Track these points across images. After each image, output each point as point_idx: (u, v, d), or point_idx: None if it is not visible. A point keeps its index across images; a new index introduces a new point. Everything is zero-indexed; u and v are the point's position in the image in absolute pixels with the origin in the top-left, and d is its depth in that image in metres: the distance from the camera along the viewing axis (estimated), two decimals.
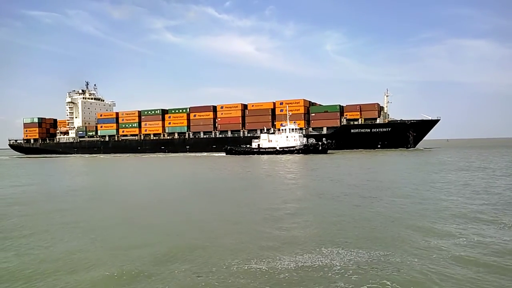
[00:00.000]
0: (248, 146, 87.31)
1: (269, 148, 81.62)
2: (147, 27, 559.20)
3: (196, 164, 60.23)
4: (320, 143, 79.24)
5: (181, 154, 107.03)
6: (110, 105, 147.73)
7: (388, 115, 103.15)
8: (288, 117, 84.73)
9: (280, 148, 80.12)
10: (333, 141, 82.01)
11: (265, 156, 75.73)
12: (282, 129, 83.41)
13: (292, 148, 79.09)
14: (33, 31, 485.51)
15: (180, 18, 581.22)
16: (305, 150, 78.37)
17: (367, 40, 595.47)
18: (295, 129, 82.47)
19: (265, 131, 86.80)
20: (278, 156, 75.03)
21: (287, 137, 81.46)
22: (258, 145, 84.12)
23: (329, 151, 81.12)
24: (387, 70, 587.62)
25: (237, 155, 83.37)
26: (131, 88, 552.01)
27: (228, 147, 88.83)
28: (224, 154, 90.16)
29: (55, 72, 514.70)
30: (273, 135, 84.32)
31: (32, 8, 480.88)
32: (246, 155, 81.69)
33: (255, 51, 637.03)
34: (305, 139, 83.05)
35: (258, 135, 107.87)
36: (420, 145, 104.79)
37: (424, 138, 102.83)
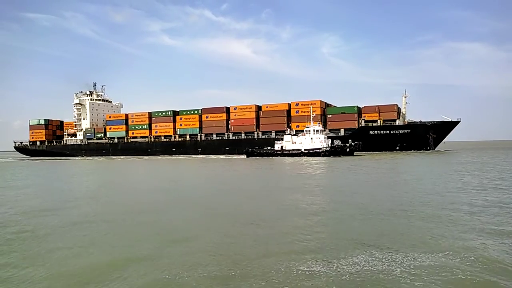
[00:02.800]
0: (270, 148, 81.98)
1: (293, 150, 76.36)
2: (144, 29, 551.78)
3: (238, 167, 54.14)
4: (347, 144, 74.23)
5: (195, 157, 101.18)
6: (117, 107, 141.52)
7: (406, 116, 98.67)
8: (312, 118, 79.64)
9: (305, 150, 74.90)
10: (360, 143, 77.00)
11: (290, 159, 70.45)
12: (306, 131, 78.18)
13: (318, 150, 73.91)
14: (31, 33, 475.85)
15: (176, 21, 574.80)
16: (332, 152, 73.27)
17: (364, 43, 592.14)
18: (320, 130, 77.36)
19: (288, 132, 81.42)
20: (305, 158, 69.77)
21: (311, 138, 76.29)
22: (281, 147, 78.85)
23: (355, 153, 76.10)
24: (384, 73, 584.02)
25: (259, 158, 77.84)
26: (127, 90, 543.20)
27: (250, 149, 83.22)
28: (244, 156, 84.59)
29: (52, 74, 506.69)
30: (297, 136, 78.97)
31: (29, 10, 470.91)
32: (269, 158, 76.29)
33: (252, 54, 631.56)
34: (329, 140, 77.93)
35: (273, 136, 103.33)
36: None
37: None
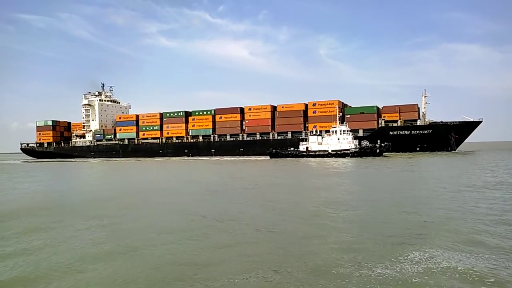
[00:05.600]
0: (294, 148, 77.21)
1: (319, 151, 71.62)
2: (141, 31, 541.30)
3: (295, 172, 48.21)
4: (377, 145, 69.71)
5: (215, 158, 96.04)
6: (126, 108, 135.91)
7: (426, 116, 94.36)
8: (338, 118, 75.02)
9: (332, 151, 70.21)
10: (389, 143, 72.46)
11: (317, 159, 65.84)
12: (332, 131, 73.56)
13: (346, 151, 69.29)
14: (26, 35, 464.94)
15: (173, 23, 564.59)
16: (362, 153, 68.72)
17: (360, 45, 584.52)
18: (347, 130, 72.75)
19: (314, 133, 76.63)
20: (335, 159, 65.07)
21: (338, 139, 71.67)
22: (307, 147, 74.08)
23: (384, 154, 71.62)
24: (381, 75, 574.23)
25: (283, 159, 73.04)
26: (125, 92, 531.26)
27: (274, 150, 78.41)
28: (267, 157, 79.73)
29: (49, 76, 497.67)
30: (324, 137, 74.31)
31: (24, 12, 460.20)
32: (294, 159, 71.54)
33: (249, 56, 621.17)
34: (356, 140, 73.39)
35: (289, 137, 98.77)
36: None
37: None
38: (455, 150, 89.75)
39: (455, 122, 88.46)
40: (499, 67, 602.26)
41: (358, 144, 71.60)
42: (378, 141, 72.30)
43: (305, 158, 71.51)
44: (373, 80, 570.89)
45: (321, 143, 72.80)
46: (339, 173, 38.83)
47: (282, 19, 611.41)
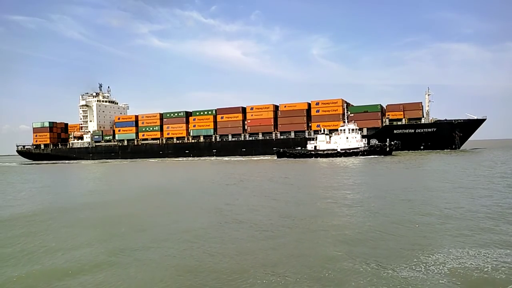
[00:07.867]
0: (302, 148, 74.96)
1: (328, 150, 69.41)
2: (133, 32, 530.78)
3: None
4: (386, 144, 67.77)
5: (209, 158, 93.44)
6: (124, 108, 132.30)
7: (429, 114, 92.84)
8: (346, 116, 72.95)
9: (341, 150, 68.06)
10: (399, 142, 70.57)
11: (325, 159, 63.69)
12: (341, 130, 71.47)
13: (355, 150, 67.20)
14: (17, 36, 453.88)
15: (165, 23, 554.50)
16: (371, 151, 66.68)
17: (352, 45, 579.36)
18: (355, 129, 70.68)
19: (322, 132, 74.32)
20: (345, 159, 62.95)
21: (347, 138, 69.57)
22: (315, 147, 71.82)
23: (393, 153, 69.72)
24: (373, 74, 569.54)
25: (291, 159, 70.74)
26: (120, 93, 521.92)
27: (281, 150, 76.00)
28: (275, 157, 77.36)
29: (41, 77, 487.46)
30: (332, 136, 72.16)
31: (14, 12, 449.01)
32: (302, 159, 69.27)
33: (242, 56, 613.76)
34: (365, 139, 71.39)
35: (292, 137, 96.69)
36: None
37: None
38: (459, 148, 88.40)
39: (460, 120, 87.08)
40: (491, 66, 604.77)
41: (367, 143, 69.61)
42: (388, 139, 70.36)
43: (313, 157, 69.26)
44: (366, 79, 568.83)
45: (329, 142, 70.64)
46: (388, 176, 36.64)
47: (274, 19, 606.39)
